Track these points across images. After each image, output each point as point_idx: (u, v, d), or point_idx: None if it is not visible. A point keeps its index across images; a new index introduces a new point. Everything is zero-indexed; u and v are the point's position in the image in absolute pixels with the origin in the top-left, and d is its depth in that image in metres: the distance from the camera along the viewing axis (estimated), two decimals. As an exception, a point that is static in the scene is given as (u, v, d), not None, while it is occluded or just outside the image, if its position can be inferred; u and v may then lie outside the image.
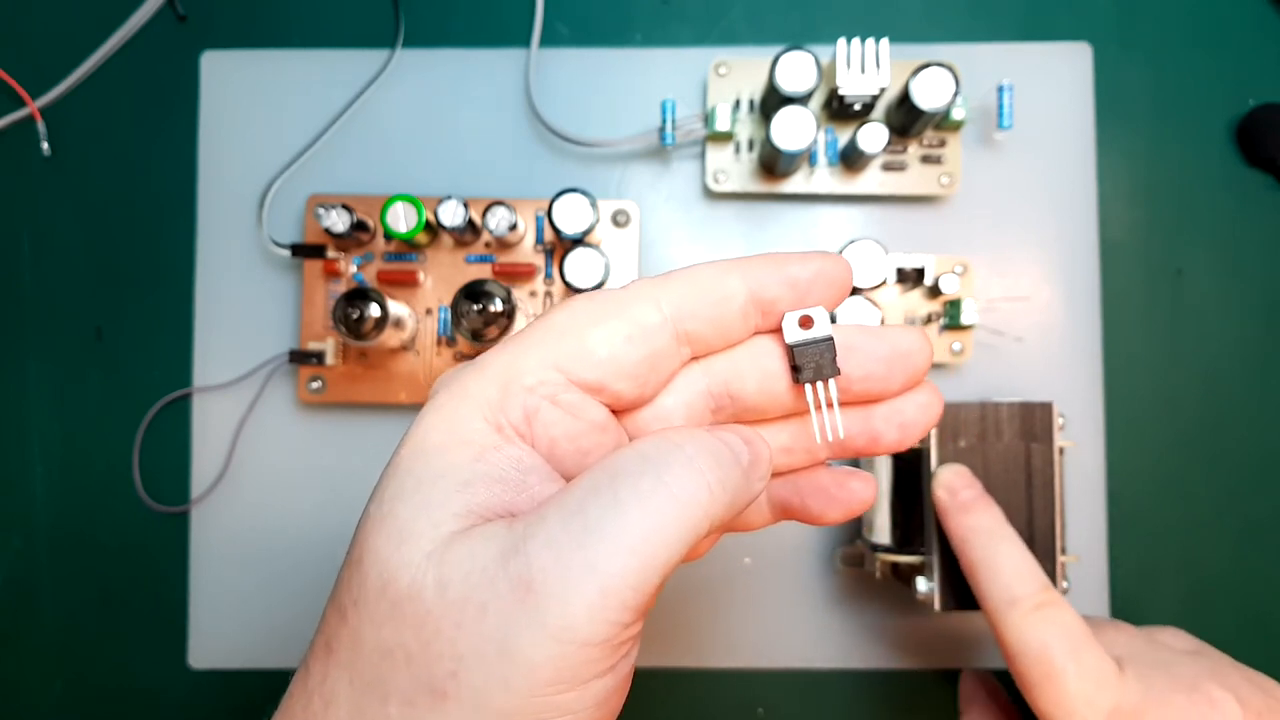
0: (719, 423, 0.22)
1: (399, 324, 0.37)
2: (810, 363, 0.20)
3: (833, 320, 0.21)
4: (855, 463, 0.38)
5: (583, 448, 0.20)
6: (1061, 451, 0.34)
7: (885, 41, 0.36)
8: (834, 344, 0.21)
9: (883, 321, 0.38)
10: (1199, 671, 0.28)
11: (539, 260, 0.39)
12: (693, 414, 0.21)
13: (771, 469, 0.21)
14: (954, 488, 0.32)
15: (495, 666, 0.16)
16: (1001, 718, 0.34)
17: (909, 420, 0.22)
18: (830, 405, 0.21)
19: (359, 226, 0.38)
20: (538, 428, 0.19)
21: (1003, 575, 0.29)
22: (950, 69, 0.36)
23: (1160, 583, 0.40)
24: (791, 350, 0.21)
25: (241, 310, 0.40)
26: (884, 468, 0.35)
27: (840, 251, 0.36)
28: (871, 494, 0.22)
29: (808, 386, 0.21)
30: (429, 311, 0.39)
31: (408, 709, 0.17)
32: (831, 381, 0.21)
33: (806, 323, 0.21)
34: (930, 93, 0.36)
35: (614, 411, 0.21)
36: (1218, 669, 0.29)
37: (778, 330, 0.21)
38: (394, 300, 0.37)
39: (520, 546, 0.17)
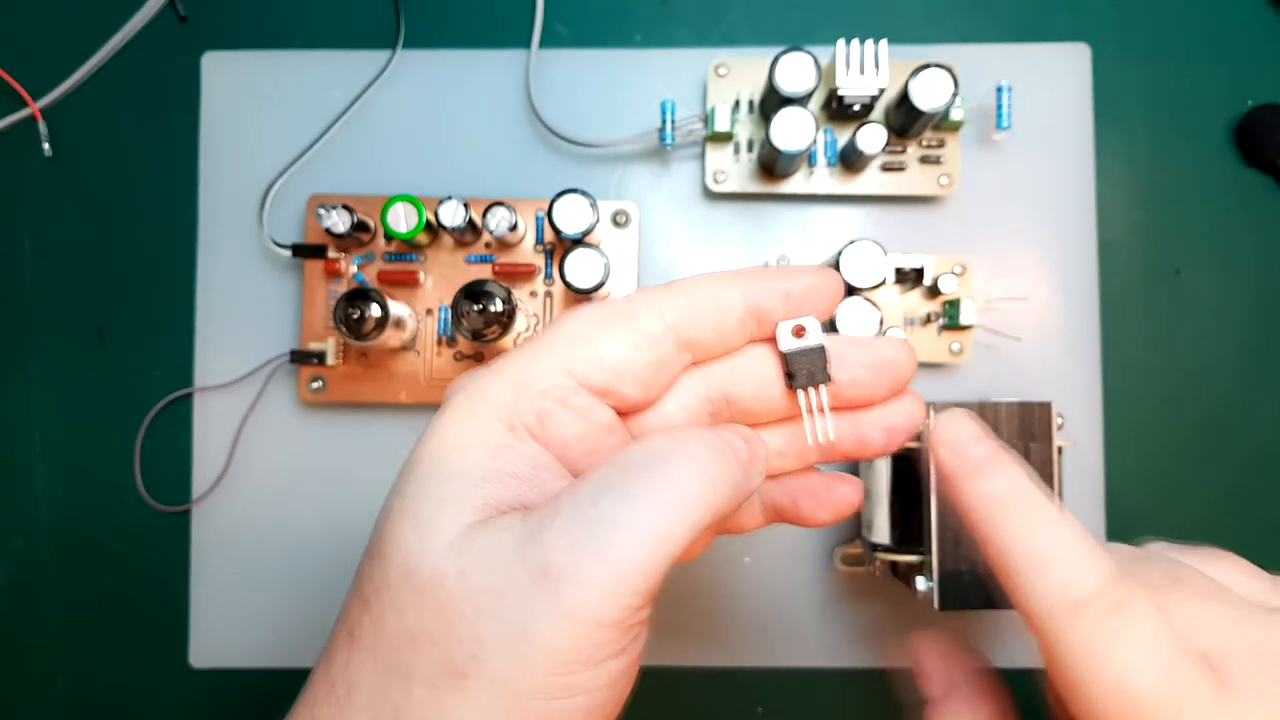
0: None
1: (399, 324, 0.37)
2: (803, 370, 0.22)
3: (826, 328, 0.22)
4: (854, 466, 0.38)
5: (591, 448, 0.21)
6: (1060, 451, 0.34)
7: (884, 42, 0.36)
8: (826, 352, 0.22)
9: (881, 321, 0.38)
10: None
11: (539, 260, 0.39)
12: (692, 417, 0.23)
13: (768, 466, 0.22)
14: (959, 444, 0.22)
15: (515, 648, 0.17)
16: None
17: (894, 425, 0.23)
18: (821, 410, 0.22)
19: (360, 227, 0.38)
20: (550, 428, 0.20)
21: (1054, 566, 0.20)
22: (949, 70, 0.36)
23: (1159, 582, 0.40)
24: (786, 358, 0.22)
25: (242, 310, 0.40)
26: (883, 467, 0.35)
27: (840, 252, 0.36)
28: (858, 498, 0.24)
29: (800, 392, 0.22)
30: (429, 311, 0.39)
31: (430, 690, 0.18)
32: (823, 387, 0.22)
33: (799, 332, 0.22)
34: (929, 93, 0.36)
35: (619, 414, 0.22)
36: None
37: (772, 339, 0.22)
38: (394, 300, 0.37)
39: (536, 535, 0.18)
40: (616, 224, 0.40)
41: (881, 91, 0.37)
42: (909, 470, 0.35)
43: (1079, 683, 0.19)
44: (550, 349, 0.21)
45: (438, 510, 0.19)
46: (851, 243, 0.36)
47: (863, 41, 0.36)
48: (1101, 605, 0.19)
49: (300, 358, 0.39)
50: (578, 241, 0.37)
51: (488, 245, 0.39)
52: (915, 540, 0.35)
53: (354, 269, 0.39)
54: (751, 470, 0.20)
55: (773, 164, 0.38)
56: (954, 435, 0.22)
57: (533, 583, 0.18)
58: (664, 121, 0.38)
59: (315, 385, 0.39)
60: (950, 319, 0.38)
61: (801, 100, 0.36)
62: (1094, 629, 0.19)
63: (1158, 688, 0.19)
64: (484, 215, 0.37)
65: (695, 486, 0.19)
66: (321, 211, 0.37)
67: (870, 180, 0.39)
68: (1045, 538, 0.20)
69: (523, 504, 0.19)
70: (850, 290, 0.37)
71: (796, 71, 0.36)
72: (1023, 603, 0.20)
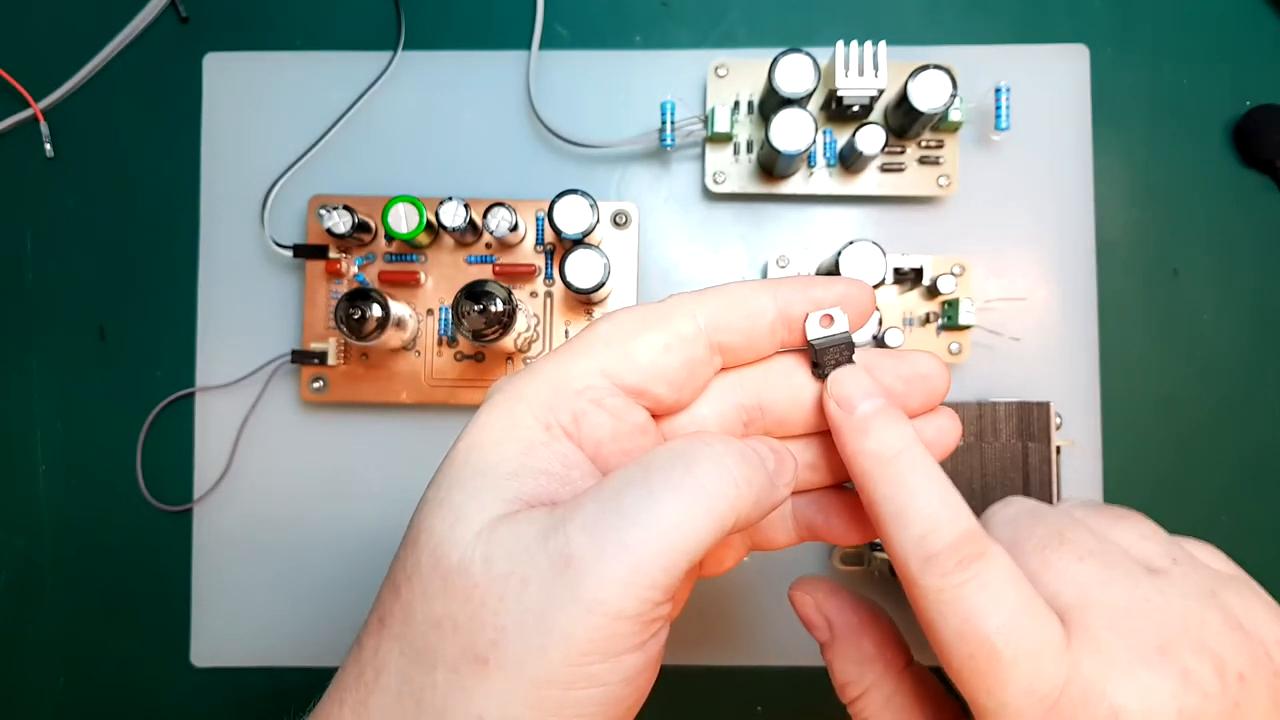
0: (750, 435, 0.23)
1: (400, 324, 0.37)
2: (830, 360, 0.22)
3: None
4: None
5: (625, 448, 0.21)
6: (1058, 450, 0.34)
7: (883, 44, 0.37)
8: (853, 341, 0.22)
9: (880, 322, 0.38)
10: (1173, 621, 0.21)
11: (539, 261, 0.39)
12: (726, 423, 0.23)
13: (795, 478, 0.22)
14: (849, 399, 0.22)
15: (534, 635, 0.18)
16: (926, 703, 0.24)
17: (928, 441, 0.22)
18: None
19: (361, 227, 0.38)
20: (585, 429, 0.21)
21: (912, 522, 0.21)
22: (948, 71, 0.36)
23: (1157, 581, 0.40)
24: (813, 347, 0.22)
25: (244, 310, 0.41)
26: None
27: (839, 252, 0.36)
28: None
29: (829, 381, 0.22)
30: (430, 312, 0.39)
31: (452, 675, 0.18)
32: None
33: (827, 321, 0.22)
34: (928, 94, 0.36)
35: (654, 416, 0.22)
36: (1198, 614, 0.21)
37: (803, 350, 0.23)
38: (395, 300, 0.37)
39: (560, 527, 0.18)
40: (616, 224, 0.40)
41: (880, 92, 0.37)
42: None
43: (932, 629, 0.21)
44: (586, 350, 0.21)
45: (469, 501, 0.19)
46: (851, 243, 0.37)
47: (861, 43, 0.37)
48: (953, 558, 0.20)
49: (301, 358, 0.39)
50: (578, 242, 0.37)
51: (488, 245, 0.39)
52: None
53: (355, 269, 0.39)
54: (778, 480, 0.21)
55: (772, 165, 0.38)
56: (844, 391, 0.22)
57: (554, 572, 0.18)
58: (664, 122, 0.38)
59: (316, 385, 0.39)
60: (949, 319, 0.39)
61: (801, 101, 0.36)
62: (943, 579, 0.20)
63: (998, 634, 0.20)
64: (484, 215, 0.37)
65: (718, 486, 0.19)
66: (323, 212, 0.37)
67: (869, 181, 0.39)
68: (910, 494, 0.21)
69: (552, 500, 0.20)
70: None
71: (796, 72, 0.36)
72: (891, 554, 0.21)
